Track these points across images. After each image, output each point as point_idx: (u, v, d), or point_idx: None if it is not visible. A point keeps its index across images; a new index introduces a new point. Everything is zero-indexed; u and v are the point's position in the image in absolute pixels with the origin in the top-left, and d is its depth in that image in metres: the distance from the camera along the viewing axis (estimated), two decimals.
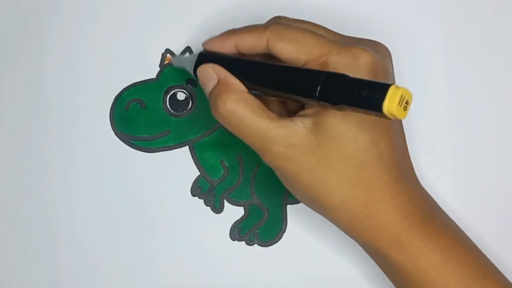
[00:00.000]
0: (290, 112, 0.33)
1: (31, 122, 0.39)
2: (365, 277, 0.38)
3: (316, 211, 0.32)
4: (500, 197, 0.38)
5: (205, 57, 0.33)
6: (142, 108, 0.38)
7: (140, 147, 0.38)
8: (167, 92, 0.38)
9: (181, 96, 0.38)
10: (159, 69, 0.38)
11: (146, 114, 0.38)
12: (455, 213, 0.33)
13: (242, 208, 0.38)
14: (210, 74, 0.31)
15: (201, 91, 0.38)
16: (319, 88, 0.26)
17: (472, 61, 0.38)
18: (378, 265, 0.33)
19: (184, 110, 0.38)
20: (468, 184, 0.38)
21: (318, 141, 0.28)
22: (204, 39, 0.38)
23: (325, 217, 0.31)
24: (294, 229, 0.38)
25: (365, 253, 0.36)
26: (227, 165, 0.38)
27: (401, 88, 0.24)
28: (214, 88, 0.31)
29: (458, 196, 0.37)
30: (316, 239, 0.38)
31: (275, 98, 0.32)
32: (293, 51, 0.29)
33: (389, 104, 0.24)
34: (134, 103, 0.38)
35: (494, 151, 0.38)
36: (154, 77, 0.38)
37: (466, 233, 0.33)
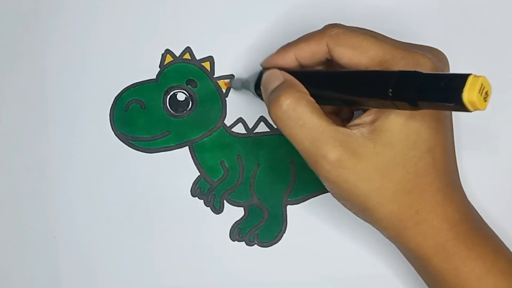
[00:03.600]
0: (343, 122, 0.33)
1: (31, 122, 0.39)
2: (366, 277, 0.38)
3: (364, 219, 0.31)
4: None
5: None
6: (142, 108, 0.38)
7: (140, 147, 0.38)
8: (167, 93, 0.38)
9: (181, 96, 0.38)
10: (159, 69, 0.38)
11: (146, 115, 0.38)
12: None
13: (242, 208, 0.38)
14: (277, 75, 0.31)
15: (201, 92, 0.38)
16: (392, 88, 0.26)
17: (472, 62, 0.38)
18: (418, 272, 0.32)
19: (184, 110, 0.38)
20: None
21: (376, 149, 0.28)
22: (204, 39, 0.38)
23: (373, 225, 0.31)
24: (294, 229, 0.38)
25: (365, 253, 0.36)
26: (227, 166, 0.38)
27: (480, 76, 0.23)
28: (277, 86, 0.30)
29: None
30: (316, 239, 0.38)
31: (330, 112, 0.32)
32: (354, 55, 0.29)
33: (470, 93, 0.22)
34: (134, 104, 0.38)
35: (498, 150, 0.38)
36: (154, 77, 0.38)
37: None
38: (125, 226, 0.38)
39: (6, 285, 0.38)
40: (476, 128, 0.38)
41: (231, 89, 0.38)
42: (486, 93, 0.23)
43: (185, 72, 0.38)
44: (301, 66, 0.32)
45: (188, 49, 0.38)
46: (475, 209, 0.32)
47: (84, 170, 0.38)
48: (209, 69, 0.38)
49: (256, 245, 0.38)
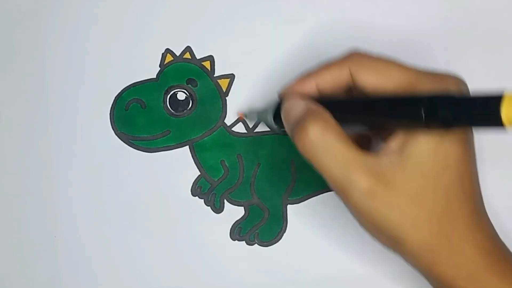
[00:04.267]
0: (368, 148, 0.32)
1: (31, 122, 0.39)
2: (366, 277, 0.38)
3: (394, 251, 0.30)
4: None
5: None
6: (142, 108, 0.38)
7: (140, 147, 0.38)
8: (167, 92, 0.38)
9: (181, 96, 0.38)
10: (159, 68, 0.38)
11: (146, 114, 0.38)
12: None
13: (242, 208, 0.38)
14: (299, 103, 0.30)
15: (201, 91, 0.38)
16: (425, 109, 0.25)
17: (473, 62, 0.38)
18: None
19: (184, 110, 0.38)
20: None
21: (406, 175, 0.27)
22: (204, 38, 0.38)
23: (404, 256, 0.29)
24: (294, 229, 0.38)
25: (365, 253, 0.36)
26: (227, 165, 0.38)
27: None
28: (300, 114, 0.29)
29: None
30: (316, 239, 0.38)
31: (352, 137, 0.31)
32: (379, 80, 0.29)
33: (508, 110, 0.22)
34: (134, 103, 0.38)
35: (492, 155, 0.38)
36: (154, 77, 0.38)
37: None
38: (125, 226, 0.38)
39: (6, 285, 0.38)
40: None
41: (229, 92, 0.38)
42: None
43: (186, 72, 0.38)
44: (320, 94, 0.31)
45: (188, 49, 0.38)
46: (498, 235, 0.31)
47: (84, 169, 0.38)
48: (209, 69, 0.38)
49: (256, 244, 0.38)
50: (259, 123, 0.38)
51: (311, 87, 0.31)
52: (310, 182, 0.38)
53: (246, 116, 0.38)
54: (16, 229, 0.38)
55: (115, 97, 0.38)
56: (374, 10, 0.38)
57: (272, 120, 0.33)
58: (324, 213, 0.38)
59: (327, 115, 0.29)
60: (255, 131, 0.38)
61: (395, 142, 0.28)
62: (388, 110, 0.28)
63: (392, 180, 0.27)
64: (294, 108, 0.30)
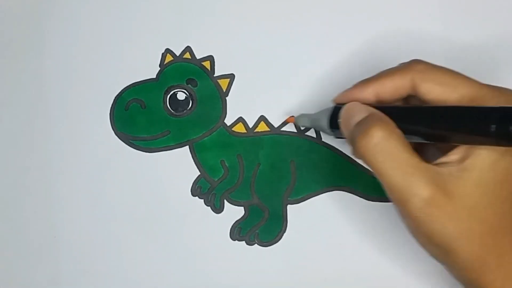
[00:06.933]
0: (428, 159, 0.32)
1: (31, 122, 0.39)
2: (366, 277, 0.38)
3: (443, 262, 0.30)
4: None
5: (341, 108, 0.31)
6: (142, 108, 0.38)
7: (140, 147, 0.38)
8: (167, 92, 0.38)
9: (181, 96, 0.38)
10: (159, 68, 0.38)
11: (146, 114, 0.38)
12: None
13: (242, 208, 0.38)
14: (360, 107, 0.30)
15: (201, 91, 0.38)
16: (495, 124, 0.25)
17: (472, 64, 0.38)
18: None
19: (184, 110, 0.38)
20: None
21: (466, 188, 0.27)
22: (204, 38, 0.38)
23: (453, 267, 0.29)
24: (294, 229, 0.38)
25: (365, 253, 0.36)
26: (227, 165, 0.38)
27: None
28: (364, 118, 0.29)
29: None
30: (316, 239, 0.38)
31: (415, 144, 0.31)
32: (443, 92, 0.28)
33: None
34: (134, 103, 0.38)
35: None
36: (154, 77, 0.38)
37: None
38: (125, 226, 0.38)
39: (6, 285, 0.38)
40: None
41: (229, 92, 0.38)
42: None
43: (185, 72, 0.38)
44: (378, 102, 0.31)
45: (188, 49, 0.38)
46: None
47: (84, 169, 0.38)
48: (209, 69, 0.38)
49: (256, 244, 0.38)
50: (310, 128, 0.37)
51: (369, 94, 0.31)
52: (310, 182, 0.38)
53: (297, 120, 0.37)
54: (16, 229, 0.38)
55: (115, 97, 0.38)
56: (373, 12, 0.38)
57: (328, 125, 0.33)
58: (324, 213, 0.38)
59: (390, 121, 0.29)
60: (255, 131, 0.38)
61: (456, 154, 0.28)
62: (454, 123, 0.27)
63: (452, 191, 0.27)
64: (356, 112, 0.30)
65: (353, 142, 0.29)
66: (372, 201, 0.37)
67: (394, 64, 0.31)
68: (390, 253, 0.37)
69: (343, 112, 0.31)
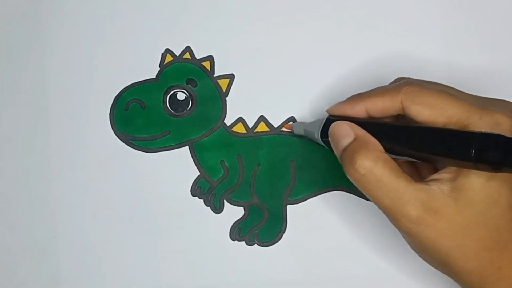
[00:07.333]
0: (420, 176, 0.33)
1: (31, 122, 0.39)
2: (366, 277, 0.38)
3: (444, 272, 0.31)
4: None
5: (333, 121, 0.32)
6: (142, 108, 0.38)
7: (140, 147, 0.38)
8: (167, 92, 0.38)
9: (181, 96, 0.38)
10: (159, 68, 0.38)
11: (146, 114, 0.38)
12: None
13: (242, 208, 0.38)
14: (347, 130, 0.30)
15: (201, 92, 0.38)
16: (475, 150, 0.25)
17: (473, 64, 0.38)
18: None
19: (184, 110, 0.38)
20: None
21: (457, 207, 0.28)
22: (204, 38, 0.38)
23: (453, 278, 0.30)
24: (294, 229, 0.38)
25: (365, 253, 0.36)
26: (227, 165, 0.38)
27: None
28: (350, 144, 0.30)
29: None
30: (316, 239, 0.38)
31: (404, 161, 0.31)
32: (431, 114, 0.29)
33: None
34: (134, 103, 0.38)
35: None
36: (154, 77, 0.38)
37: None
38: (125, 226, 0.38)
39: (7, 285, 0.38)
40: None
41: (229, 92, 0.38)
42: None
43: (185, 72, 0.38)
44: (369, 117, 0.31)
45: (188, 49, 0.38)
46: None
47: (84, 169, 0.38)
48: (209, 69, 0.38)
49: (256, 244, 0.38)
50: (305, 136, 0.37)
51: (360, 110, 0.31)
52: (310, 182, 0.38)
53: (292, 128, 0.37)
54: (16, 229, 0.38)
55: (115, 97, 0.38)
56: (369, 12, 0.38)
57: (320, 137, 0.33)
58: (324, 213, 0.38)
59: (375, 145, 0.29)
60: (254, 131, 0.38)
61: (447, 173, 0.28)
62: (436, 146, 0.28)
63: (442, 210, 0.28)
64: (342, 134, 0.30)
65: (342, 166, 0.30)
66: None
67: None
68: (389, 253, 0.37)
69: (330, 132, 0.31)
